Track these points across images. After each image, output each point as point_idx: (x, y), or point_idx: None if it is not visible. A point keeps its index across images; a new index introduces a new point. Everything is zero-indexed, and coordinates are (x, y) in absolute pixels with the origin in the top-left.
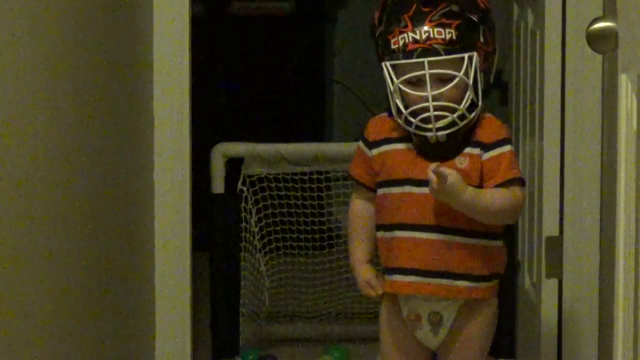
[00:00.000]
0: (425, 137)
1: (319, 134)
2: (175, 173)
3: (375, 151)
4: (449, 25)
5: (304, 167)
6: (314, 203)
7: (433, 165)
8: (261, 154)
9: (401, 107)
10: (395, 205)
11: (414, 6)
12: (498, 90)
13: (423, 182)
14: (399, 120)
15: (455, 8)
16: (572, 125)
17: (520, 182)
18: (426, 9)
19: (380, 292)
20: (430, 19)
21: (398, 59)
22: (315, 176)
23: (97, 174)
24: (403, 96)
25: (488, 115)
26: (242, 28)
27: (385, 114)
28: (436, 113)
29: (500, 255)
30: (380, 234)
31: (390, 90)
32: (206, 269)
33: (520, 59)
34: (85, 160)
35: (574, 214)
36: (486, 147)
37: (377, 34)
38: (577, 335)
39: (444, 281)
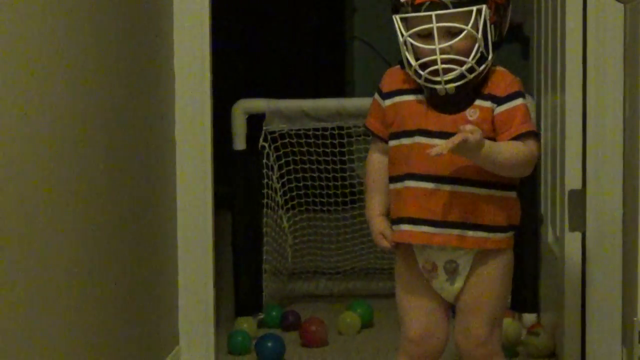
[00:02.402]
0: (435, 89)
1: (340, 90)
2: (197, 130)
3: (388, 102)
4: None
5: (325, 123)
6: (335, 159)
7: (458, 136)
8: (282, 110)
9: (411, 59)
10: (406, 156)
11: None
12: (519, 44)
13: (434, 133)
14: (410, 72)
15: None
16: (593, 78)
17: (534, 135)
18: None
19: (393, 243)
20: None
21: (407, 12)
22: (336, 132)
23: (118, 132)
24: (414, 49)
25: (500, 68)
26: None
27: (399, 66)
28: (444, 66)
29: (514, 206)
30: (392, 185)
31: (401, 43)
32: (228, 226)
33: (541, 12)
34: (106, 117)
35: (597, 167)
36: (499, 101)
37: None
38: (601, 288)
39: (456, 231)
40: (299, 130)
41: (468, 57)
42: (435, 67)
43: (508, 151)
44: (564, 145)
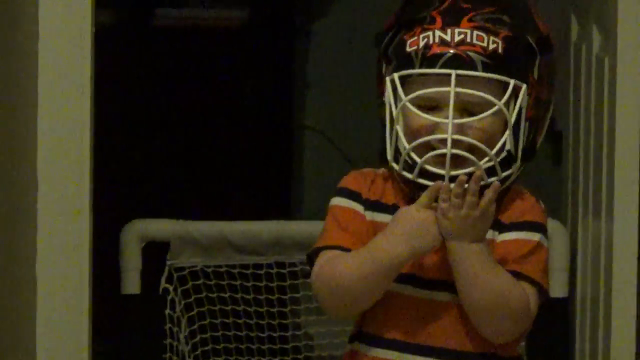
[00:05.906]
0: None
1: (283, 207)
2: (67, 266)
3: (369, 215)
4: (494, 33)
5: (258, 257)
6: (272, 310)
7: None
8: (195, 236)
9: (403, 140)
10: (381, 310)
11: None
12: (548, 144)
13: (426, 282)
14: (394, 166)
15: (506, 18)
16: None
17: (540, 290)
18: (466, 5)
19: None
20: (471, 18)
21: (414, 68)
22: (274, 270)
23: None
24: (409, 124)
25: (519, 186)
26: (173, 49)
27: (383, 169)
28: (456, 151)
29: None
30: (352, 346)
31: (392, 116)
32: None
33: (580, 96)
34: None
35: None
36: (507, 227)
37: (388, 38)
38: None
39: None
40: (220, 266)
41: (489, 148)
42: (442, 151)
43: (501, 275)
44: (610, 300)
